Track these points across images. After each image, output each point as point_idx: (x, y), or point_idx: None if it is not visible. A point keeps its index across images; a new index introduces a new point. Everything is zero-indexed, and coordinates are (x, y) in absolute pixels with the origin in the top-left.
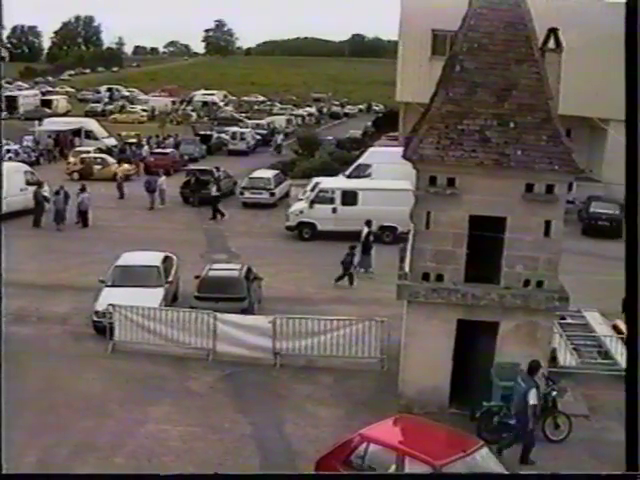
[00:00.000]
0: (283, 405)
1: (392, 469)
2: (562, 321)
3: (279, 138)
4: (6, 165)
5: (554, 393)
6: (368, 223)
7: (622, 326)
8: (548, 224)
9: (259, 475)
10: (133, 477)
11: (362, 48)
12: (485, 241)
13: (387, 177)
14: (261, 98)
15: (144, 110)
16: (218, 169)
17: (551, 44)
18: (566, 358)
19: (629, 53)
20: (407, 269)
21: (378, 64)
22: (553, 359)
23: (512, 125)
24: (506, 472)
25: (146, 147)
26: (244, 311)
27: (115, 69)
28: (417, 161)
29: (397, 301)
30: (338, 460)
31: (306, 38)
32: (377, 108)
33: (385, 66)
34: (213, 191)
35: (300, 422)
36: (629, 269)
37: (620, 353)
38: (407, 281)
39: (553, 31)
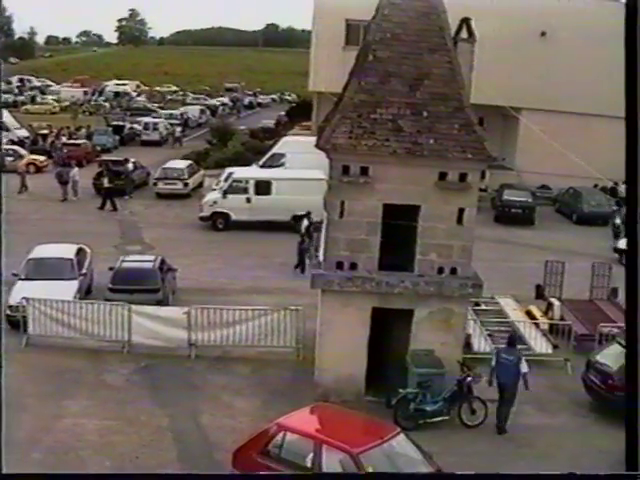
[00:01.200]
0: (199, 396)
1: (309, 458)
2: (476, 307)
3: (177, 130)
4: None
5: (469, 379)
6: (307, 215)
7: (535, 312)
8: (461, 212)
9: (258, 475)
10: (134, 477)
11: (276, 38)
12: (399, 229)
13: (301, 167)
14: (174, 88)
15: (56, 101)
16: (127, 160)
17: (464, 34)
18: (480, 344)
19: (629, 53)
20: (321, 258)
21: (292, 54)
22: (468, 345)
23: (425, 114)
24: (422, 457)
25: (64, 139)
26: (159, 302)
27: (14, 60)
28: (330, 150)
29: (312, 290)
30: (255, 450)
31: (219, 28)
32: (290, 98)
33: (299, 56)
34: (105, 183)
35: (217, 413)
36: (629, 270)
37: (534, 338)
38: (321, 270)
39: (466, 21)
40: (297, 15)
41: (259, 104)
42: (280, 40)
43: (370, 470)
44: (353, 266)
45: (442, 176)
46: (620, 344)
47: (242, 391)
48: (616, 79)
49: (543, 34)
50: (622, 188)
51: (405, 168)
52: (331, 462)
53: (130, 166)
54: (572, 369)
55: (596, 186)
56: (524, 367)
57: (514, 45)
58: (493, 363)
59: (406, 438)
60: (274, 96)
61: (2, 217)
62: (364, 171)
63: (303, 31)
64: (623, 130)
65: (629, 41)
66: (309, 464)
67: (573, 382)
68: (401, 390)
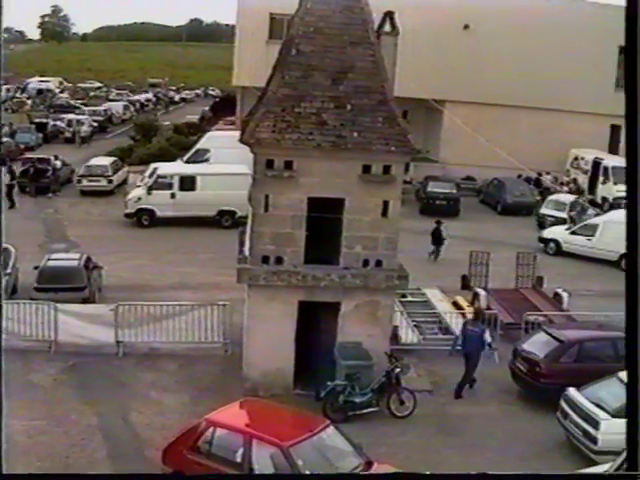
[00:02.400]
0: (128, 394)
1: (239, 453)
2: (403, 299)
3: (82, 129)
4: None
5: (397, 370)
6: None
7: (462, 302)
8: (386, 204)
9: (258, 475)
10: (134, 477)
11: (200, 32)
12: (324, 223)
13: (226, 162)
14: (97, 84)
15: None
16: (57, 157)
17: (387, 27)
18: (408, 335)
19: (629, 53)
20: (247, 253)
21: (216, 48)
22: (395, 337)
23: (348, 107)
24: (352, 449)
25: None
26: (85, 300)
27: None
28: (254, 145)
29: (238, 285)
30: (185, 446)
31: (143, 23)
32: (214, 93)
33: (223, 50)
34: (7, 180)
35: (146, 410)
36: (629, 272)
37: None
38: (247, 265)
39: (389, 14)
40: (221, 10)
41: (183, 99)
42: (204, 35)
43: (300, 464)
44: (279, 260)
45: (366, 169)
46: (546, 332)
47: (171, 387)
48: (538, 71)
49: (466, 27)
50: (546, 178)
51: (329, 161)
52: (261, 456)
53: (58, 163)
54: (499, 358)
55: (520, 176)
56: (487, 338)
57: (437, 38)
58: (459, 334)
59: (336, 430)
60: (198, 91)
61: (2, 218)
62: (288, 165)
63: (227, 25)
64: (545, 121)
65: (629, 41)
66: (239, 459)
67: (500, 371)
68: (329, 383)
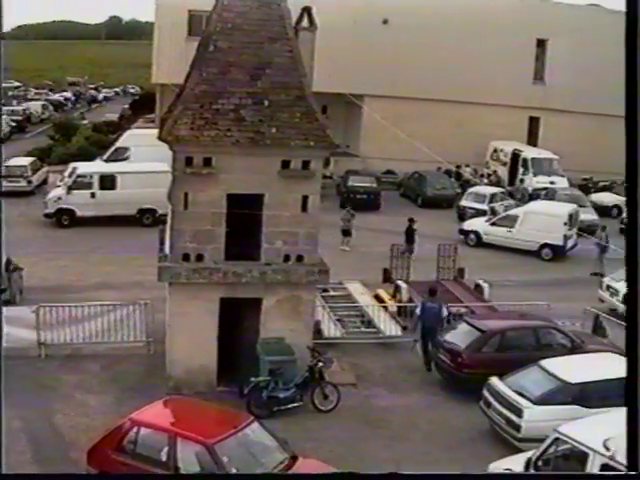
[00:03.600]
0: (52, 396)
1: (164, 451)
2: (324, 293)
3: None
4: None
5: (320, 364)
6: None
7: (383, 295)
8: (305, 199)
9: (258, 475)
10: (133, 477)
11: (119, 30)
12: (245, 219)
13: (146, 159)
14: (16, 84)
15: None
16: None
17: (305, 22)
18: (330, 329)
19: (629, 53)
20: (167, 251)
21: (135, 46)
22: (318, 331)
23: (266, 103)
24: (277, 444)
25: None
26: (6, 303)
27: None
28: (172, 142)
29: (160, 283)
30: (110, 447)
31: (62, 21)
32: (134, 90)
33: (142, 48)
34: None
35: (70, 412)
36: (630, 270)
37: (383, 321)
38: (168, 263)
39: (307, 10)
40: (140, 7)
41: (105, 98)
42: (124, 32)
43: (225, 460)
44: (199, 257)
45: (285, 164)
46: (467, 322)
47: (94, 388)
48: (456, 64)
49: (385, 22)
50: (465, 170)
51: (248, 157)
52: (186, 454)
53: None
54: None
55: (439, 169)
56: (444, 312)
57: (356, 33)
58: (418, 312)
59: (260, 426)
60: (118, 89)
61: (2, 218)
62: (207, 162)
63: (147, 23)
64: (464, 114)
65: (629, 41)
66: (164, 458)
67: (423, 362)
68: (253, 379)
